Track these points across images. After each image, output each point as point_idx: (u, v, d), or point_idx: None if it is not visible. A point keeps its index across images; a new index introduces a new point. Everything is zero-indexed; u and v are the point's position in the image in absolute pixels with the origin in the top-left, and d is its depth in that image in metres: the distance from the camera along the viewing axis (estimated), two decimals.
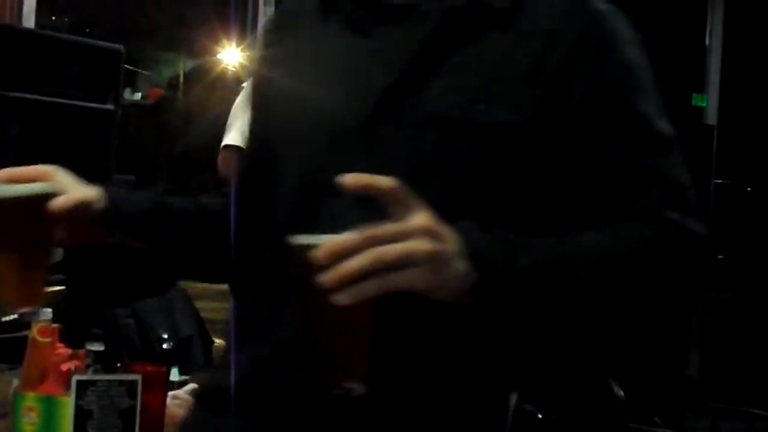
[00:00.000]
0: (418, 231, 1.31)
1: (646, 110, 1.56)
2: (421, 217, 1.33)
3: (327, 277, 1.27)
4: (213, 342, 4.87)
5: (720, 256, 6.37)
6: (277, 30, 1.74)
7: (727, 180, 6.53)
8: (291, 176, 1.57)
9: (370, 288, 1.28)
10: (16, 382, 2.33)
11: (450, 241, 1.35)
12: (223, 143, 4.09)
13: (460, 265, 1.35)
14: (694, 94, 6.72)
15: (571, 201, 1.52)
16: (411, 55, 1.51)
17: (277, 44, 1.71)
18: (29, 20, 4.79)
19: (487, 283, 1.36)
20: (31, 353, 2.34)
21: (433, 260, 1.32)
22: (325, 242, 1.28)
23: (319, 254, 1.27)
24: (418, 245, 1.31)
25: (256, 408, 1.55)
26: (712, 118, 6.59)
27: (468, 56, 1.51)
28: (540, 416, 4.43)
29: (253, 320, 1.61)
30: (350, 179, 1.31)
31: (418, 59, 1.50)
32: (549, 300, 1.42)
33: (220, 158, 4.08)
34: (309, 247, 1.29)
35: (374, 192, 1.32)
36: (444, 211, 1.37)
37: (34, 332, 2.34)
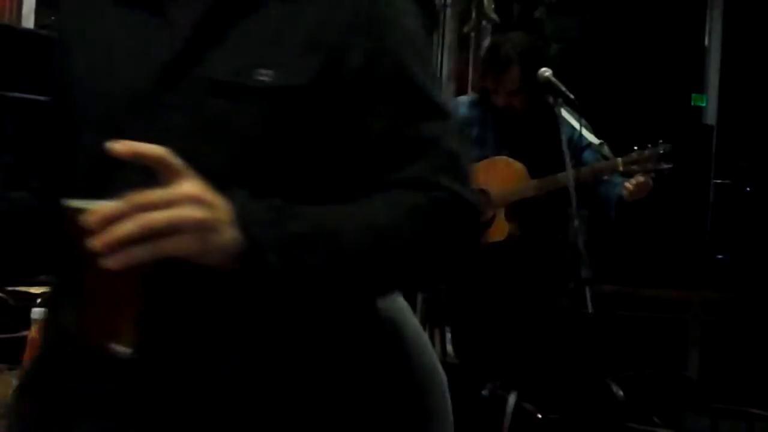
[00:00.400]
0: (185, 198, 1.36)
1: (422, 80, 1.58)
2: (189, 185, 1.37)
3: (96, 242, 1.31)
4: None
5: (719, 256, 6.37)
6: (72, 6, 1.76)
7: (726, 180, 6.52)
8: (86, 144, 1.60)
9: (137, 253, 1.32)
10: (15, 382, 2.33)
11: (219, 208, 1.39)
12: None
13: (229, 233, 1.39)
14: (693, 94, 6.72)
15: (350, 168, 1.56)
16: (195, 26, 1.54)
17: (71, 19, 1.74)
18: (29, 20, 4.78)
19: (256, 250, 1.40)
20: (30, 353, 2.34)
21: (200, 227, 1.36)
22: (96, 207, 1.33)
23: (89, 219, 1.32)
24: (186, 212, 1.35)
25: (57, 381, 1.59)
26: (711, 118, 6.59)
27: (249, 25, 1.55)
28: (539, 416, 4.43)
29: (62, 289, 1.66)
30: (119, 147, 1.34)
31: (200, 29, 1.54)
32: (317, 266, 1.45)
33: None
34: (80, 211, 1.33)
35: (143, 159, 1.36)
36: (228, 177, 1.44)
37: (33, 332, 2.34)
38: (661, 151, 4.33)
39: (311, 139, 1.53)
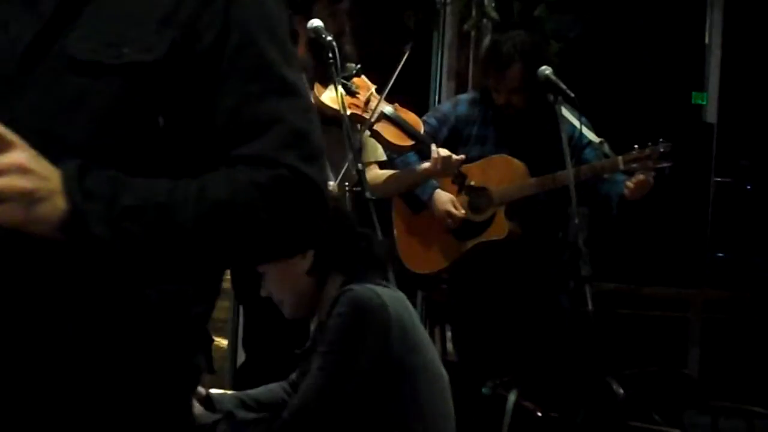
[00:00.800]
0: (11, 167, 1.37)
1: (273, 56, 1.58)
2: (17, 154, 1.39)
3: None
4: (212, 340, 4.85)
5: (719, 254, 6.37)
6: None
7: (726, 178, 6.52)
8: None
9: None
10: None
11: (48, 178, 1.40)
12: None
13: (56, 203, 1.40)
14: (693, 93, 6.71)
15: (202, 144, 1.56)
16: (55, 7, 1.55)
17: None
18: None
19: (80, 221, 1.41)
20: None
21: (25, 197, 1.38)
22: None
23: None
24: (10, 181, 1.37)
25: None
26: (711, 116, 6.58)
27: (106, 3, 1.56)
28: (539, 414, 4.43)
29: None
30: None
31: (59, 10, 1.55)
32: (146, 238, 1.45)
33: None
34: None
35: None
36: (88, 153, 1.46)
37: None
38: (662, 150, 4.33)
39: (167, 114, 1.54)
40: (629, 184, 4.39)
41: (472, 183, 4.33)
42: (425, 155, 4.28)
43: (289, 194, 1.55)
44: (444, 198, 4.63)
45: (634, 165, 4.37)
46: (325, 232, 2.79)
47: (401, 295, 2.92)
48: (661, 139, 4.35)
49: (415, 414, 2.74)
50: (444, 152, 4.17)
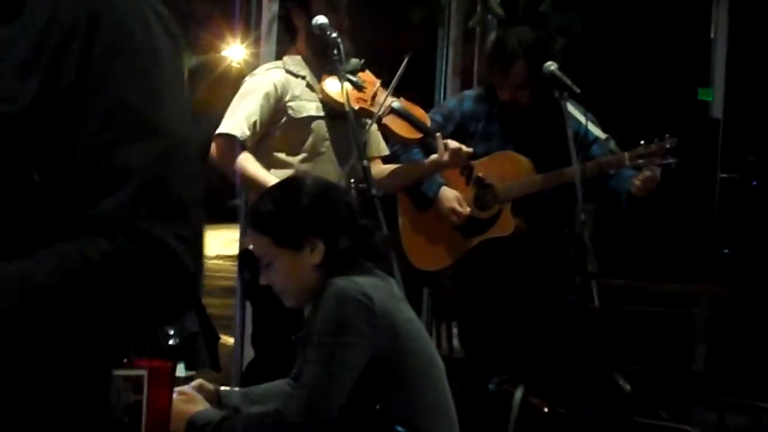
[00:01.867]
0: None
1: (135, 95, 1.40)
2: None
3: None
4: (219, 338, 4.86)
5: (726, 250, 6.36)
6: None
7: (732, 174, 6.51)
8: None
9: None
10: None
11: None
12: (218, 131, 4.09)
13: None
14: (699, 88, 6.70)
15: (60, 202, 1.39)
16: None
17: None
18: None
19: None
20: None
21: None
22: None
23: None
24: None
25: None
26: (717, 111, 6.58)
27: None
28: (546, 410, 4.43)
29: None
30: None
31: None
32: None
33: (213, 146, 4.08)
34: None
35: None
36: None
37: None
38: (668, 146, 4.33)
39: (42, 169, 1.39)
40: (636, 180, 4.39)
41: (480, 174, 4.31)
42: (431, 150, 4.29)
43: (126, 270, 1.35)
44: (450, 195, 4.63)
45: (641, 161, 4.37)
46: (336, 228, 2.78)
47: (389, 282, 2.92)
48: (667, 135, 4.35)
49: (407, 400, 2.75)
50: (453, 144, 4.17)
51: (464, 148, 4.18)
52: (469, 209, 4.62)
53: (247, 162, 4.04)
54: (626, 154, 4.39)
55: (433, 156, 4.21)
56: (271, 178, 3.99)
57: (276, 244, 2.89)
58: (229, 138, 4.05)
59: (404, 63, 4.09)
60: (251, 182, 4.04)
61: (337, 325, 2.70)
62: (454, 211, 4.61)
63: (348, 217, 2.93)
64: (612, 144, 4.46)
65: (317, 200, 2.91)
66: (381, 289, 2.80)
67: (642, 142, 4.38)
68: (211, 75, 25.54)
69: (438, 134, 4.21)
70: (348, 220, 2.91)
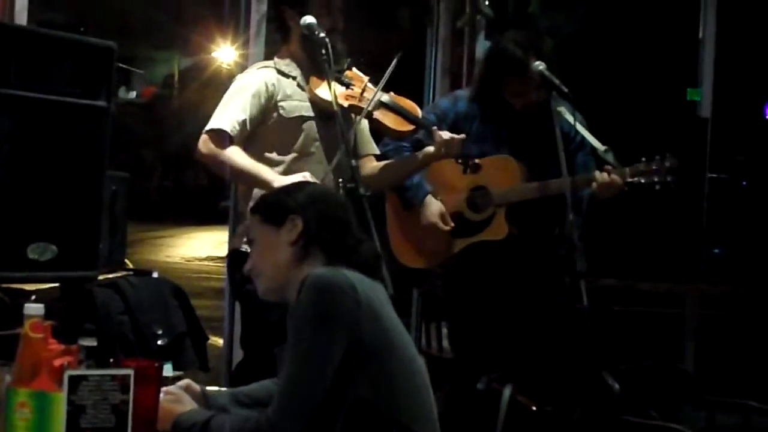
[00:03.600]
0: None
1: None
2: None
3: None
4: (207, 339, 4.86)
5: (715, 250, 6.38)
6: None
7: (722, 174, 6.53)
8: None
9: None
10: (9, 378, 2.32)
11: None
12: (207, 127, 4.08)
13: None
14: (688, 89, 6.72)
15: None
16: None
17: None
18: (21, 17, 4.78)
19: None
20: (23, 349, 2.33)
21: None
22: None
23: None
24: None
25: None
26: (706, 111, 6.59)
27: None
28: (534, 408, 4.44)
29: None
30: None
31: None
32: None
33: (201, 141, 4.07)
34: None
35: None
36: None
37: (26, 328, 2.34)
38: (668, 164, 4.33)
39: None
40: (594, 185, 4.40)
41: (477, 161, 4.28)
42: (421, 146, 4.28)
43: None
44: (434, 209, 4.62)
45: (641, 178, 4.37)
46: (316, 209, 2.81)
47: (375, 284, 2.92)
48: (667, 154, 4.36)
49: (387, 394, 2.74)
50: (446, 134, 4.15)
51: (456, 136, 4.16)
52: (450, 227, 4.62)
53: (236, 154, 4.03)
54: (627, 169, 4.39)
55: (429, 148, 4.19)
56: (262, 168, 4.00)
57: (261, 221, 2.97)
58: (218, 133, 4.04)
59: (394, 61, 4.09)
60: (242, 173, 4.04)
61: (316, 316, 2.69)
62: (434, 225, 4.62)
63: (338, 213, 2.95)
64: (610, 157, 4.45)
65: (313, 195, 2.96)
66: (365, 282, 2.80)
67: (643, 159, 4.38)
68: (201, 76, 25.57)
69: (434, 127, 4.19)
70: (330, 208, 2.95)
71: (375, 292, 2.83)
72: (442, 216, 4.61)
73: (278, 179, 3.92)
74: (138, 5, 23.44)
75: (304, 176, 3.86)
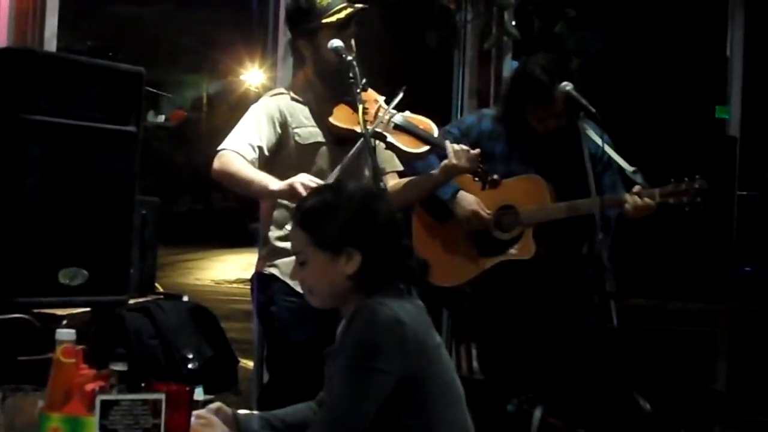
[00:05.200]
0: None
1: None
2: None
3: None
4: (238, 362, 4.88)
5: (746, 269, 6.34)
6: None
7: (751, 191, 6.50)
8: None
9: None
10: (41, 403, 2.34)
11: None
12: (223, 147, 4.09)
13: None
14: (717, 107, 6.70)
15: None
16: None
17: None
18: (51, 44, 4.82)
19: None
20: (55, 374, 2.35)
21: None
22: None
23: None
24: None
25: None
26: (735, 129, 6.57)
27: None
28: (565, 430, 4.42)
29: None
30: None
31: None
32: None
33: (217, 161, 4.08)
34: None
35: None
36: None
37: (58, 353, 2.35)
38: (697, 186, 4.31)
39: None
40: (630, 207, 4.38)
41: (495, 176, 4.27)
42: (444, 158, 4.24)
43: None
44: (469, 198, 4.61)
45: (670, 199, 4.34)
46: (377, 244, 2.77)
47: (420, 307, 2.91)
48: (697, 176, 4.34)
49: (427, 423, 2.74)
50: (461, 147, 4.14)
51: (473, 150, 4.15)
52: (490, 213, 4.60)
53: (239, 162, 4.03)
54: (657, 190, 4.36)
55: (445, 161, 4.17)
56: (261, 174, 4.00)
57: (314, 244, 2.88)
58: (234, 154, 4.05)
59: (398, 97, 4.09)
60: (242, 179, 4.02)
61: (367, 349, 2.69)
62: (476, 213, 4.59)
63: (392, 236, 2.92)
64: (639, 178, 4.44)
65: (362, 210, 2.90)
66: (412, 313, 2.79)
67: (672, 180, 4.36)
68: (229, 99, 25.66)
69: (447, 141, 4.17)
70: (390, 238, 2.90)
71: (421, 322, 2.83)
72: (479, 204, 4.60)
73: (274, 184, 3.92)
74: (167, 30, 23.59)
75: (300, 179, 3.85)
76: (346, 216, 2.87)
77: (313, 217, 2.91)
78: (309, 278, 2.92)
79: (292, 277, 3.02)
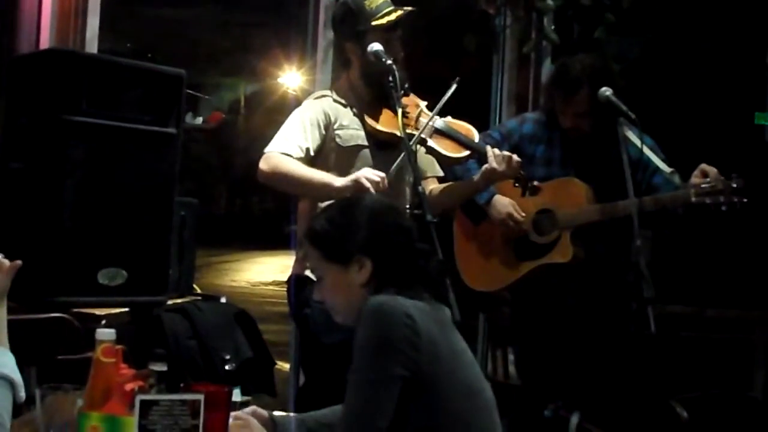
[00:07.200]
0: None
1: None
2: None
3: None
4: (275, 364, 4.89)
5: None
6: None
7: None
8: None
9: None
10: (80, 402, 2.35)
11: None
12: (270, 149, 4.09)
13: None
14: (756, 113, 6.67)
15: None
16: None
17: None
18: (92, 45, 4.85)
19: None
20: (95, 373, 2.36)
21: None
22: None
23: None
24: None
25: None
26: None
27: None
28: None
29: None
30: None
31: None
32: None
33: (263, 163, 4.08)
34: None
35: None
36: None
37: (98, 353, 2.37)
38: (734, 185, 4.25)
39: None
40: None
41: (536, 183, 4.26)
42: (484, 163, 4.23)
43: None
44: (504, 201, 4.61)
45: (706, 199, 4.29)
46: (387, 251, 2.77)
47: (439, 310, 2.90)
48: (734, 175, 4.29)
49: (445, 421, 2.72)
50: (502, 152, 4.13)
51: (514, 156, 4.14)
52: (524, 215, 4.60)
53: (294, 163, 4.03)
54: (692, 190, 4.32)
55: (485, 166, 4.16)
56: (321, 173, 4.01)
57: (325, 259, 2.91)
58: (282, 156, 4.05)
59: (452, 88, 4.09)
60: (301, 180, 4.03)
61: (372, 345, 2.68)
62: (510, 216, 4.59)
63: (403, 241, 2.92)
64: (677, 179, 4.41)
65: (371, 221, 2.90)
66: (426, 312, 2.77)
67: (707, 179, 4.31)
68: (267, 102, 25.72)
69: (488, 146, 4.17)
70: (403, 245, 2.90)
71: (435, 318, 2.81)
72: (514, 206, 4.60)
73: (338, 181, 3.94)
74: (205, 32, 23.67)
75: (364, 173, 3.86)
76: (353, 226, 2.88)
77: (322, 232, 2.93)
78: (327, 294, 2.94)
79: (315, 297, 3.03)
